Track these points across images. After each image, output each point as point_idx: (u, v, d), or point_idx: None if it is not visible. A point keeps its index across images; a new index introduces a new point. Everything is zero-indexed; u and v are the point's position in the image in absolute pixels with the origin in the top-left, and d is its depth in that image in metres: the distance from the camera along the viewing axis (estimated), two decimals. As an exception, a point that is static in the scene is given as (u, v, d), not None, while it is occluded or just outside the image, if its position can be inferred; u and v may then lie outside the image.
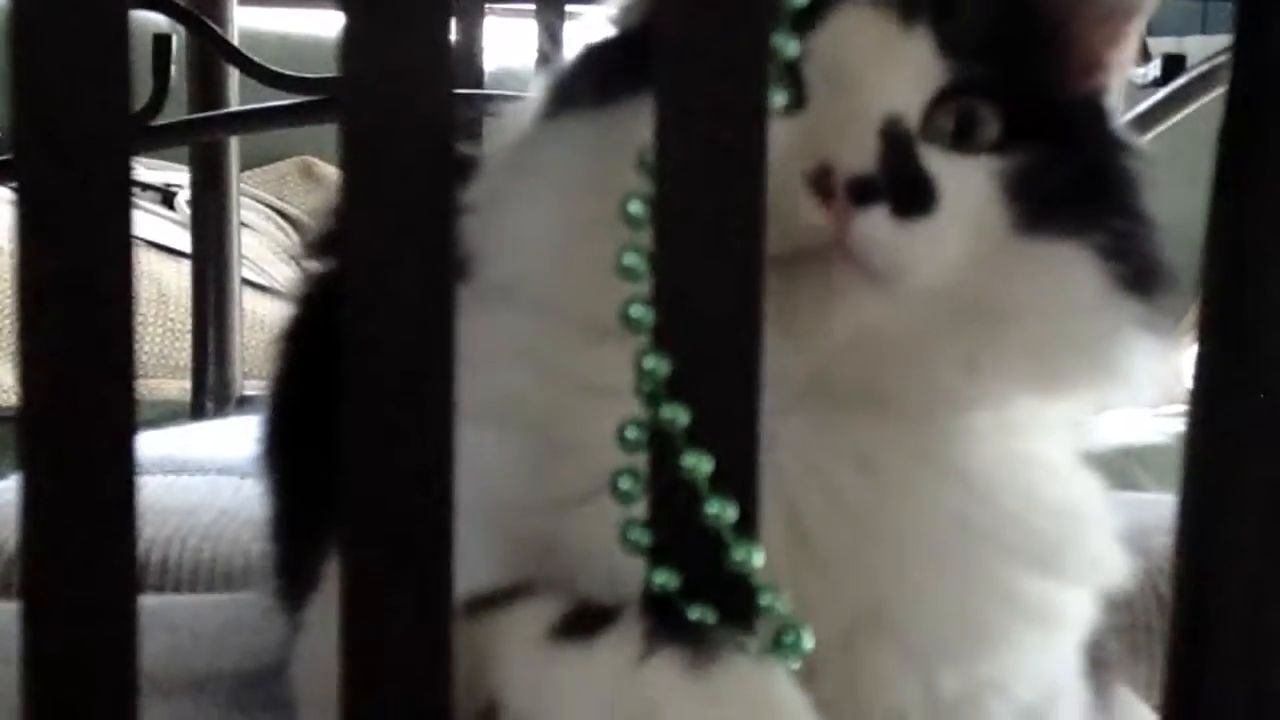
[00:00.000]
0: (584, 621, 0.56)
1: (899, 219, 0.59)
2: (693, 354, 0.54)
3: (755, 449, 0.55)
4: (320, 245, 0.88)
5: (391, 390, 0.53)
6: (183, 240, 2.17)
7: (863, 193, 0.58)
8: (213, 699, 0.80)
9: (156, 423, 2.54)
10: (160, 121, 1.67)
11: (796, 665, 0.55)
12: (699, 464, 0.54)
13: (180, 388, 2.27)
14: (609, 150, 0.60)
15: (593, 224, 0.59)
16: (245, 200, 2.63)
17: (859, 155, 0.59)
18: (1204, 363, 0.61)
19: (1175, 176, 0.73)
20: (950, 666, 0.64)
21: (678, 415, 0.54)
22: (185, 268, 2.11)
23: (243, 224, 2.30)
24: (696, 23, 0.54)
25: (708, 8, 0.54)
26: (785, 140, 0.58)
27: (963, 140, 0.63)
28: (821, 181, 0.58)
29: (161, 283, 2.83)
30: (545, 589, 0.59)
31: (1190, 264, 0.62)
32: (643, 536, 0.55)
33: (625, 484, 0.56)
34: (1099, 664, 0.70)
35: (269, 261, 3.16)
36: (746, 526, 0.55)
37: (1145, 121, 1.63)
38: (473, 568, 0.59)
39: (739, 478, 0.55)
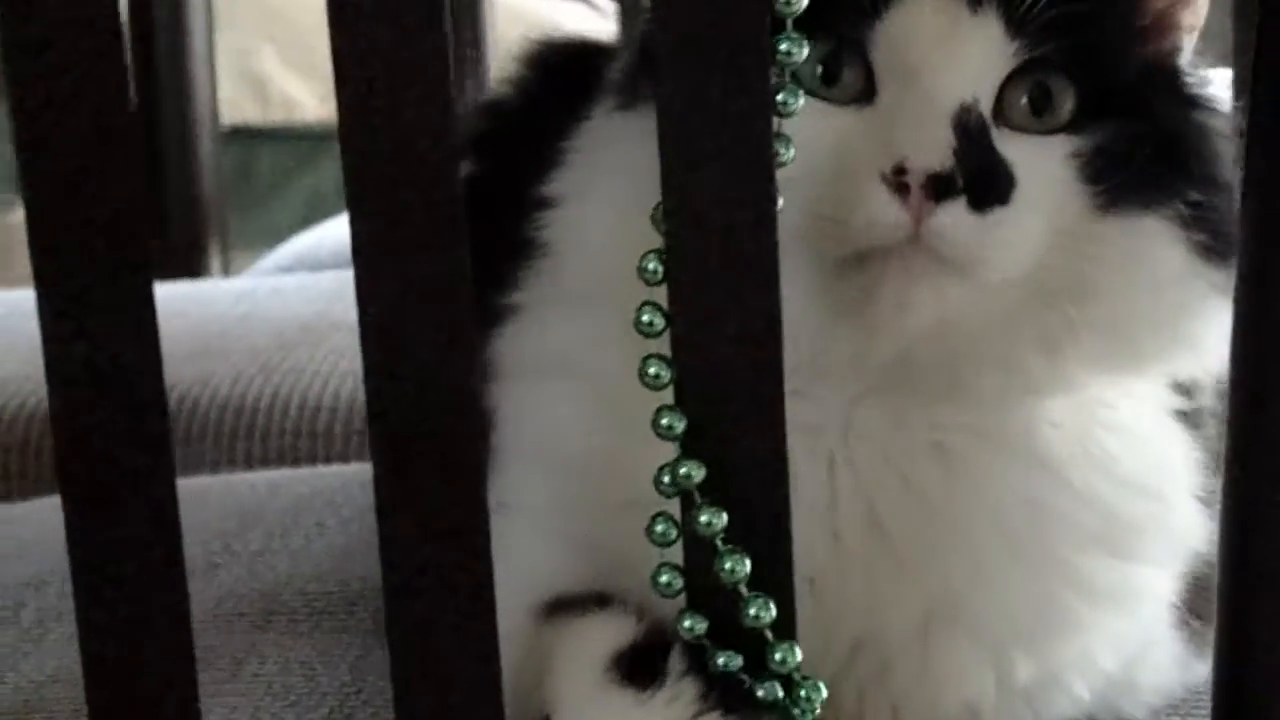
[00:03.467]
0: (641, 663, 0.58)
1: (977, 211, 0.59)
2: (710, 409, 0.54)
3: (788, 552, 0.55)
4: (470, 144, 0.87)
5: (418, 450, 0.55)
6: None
7: (941, 188, 0.58)
8: (360, 622, 0.77)
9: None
10: None
11: (815, 716, 0.56)
12: (737, 566, 0.55)
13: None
14: None
15: None
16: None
17: (934, 151, 0.58)
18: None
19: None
20: (1025, 655, 0.64)
21: (693, 472, 0.54)
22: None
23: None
24: (695, 79, 0.52)
25: (711, 69, 0.52)
26: (855, 134, 0.58)
27: (1038, 117, 0.62)
28: (898, 179, 0.58)
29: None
30: (612, 609, 0.62)
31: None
32: (674, 580, 0.56)
33: (661, 528, 0.56)
34: (1194, 612, 0.68)
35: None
36: (785, 628, 0.56)
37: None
38: (550, 571, 0.63)
39: (775, 577, 0.55)
